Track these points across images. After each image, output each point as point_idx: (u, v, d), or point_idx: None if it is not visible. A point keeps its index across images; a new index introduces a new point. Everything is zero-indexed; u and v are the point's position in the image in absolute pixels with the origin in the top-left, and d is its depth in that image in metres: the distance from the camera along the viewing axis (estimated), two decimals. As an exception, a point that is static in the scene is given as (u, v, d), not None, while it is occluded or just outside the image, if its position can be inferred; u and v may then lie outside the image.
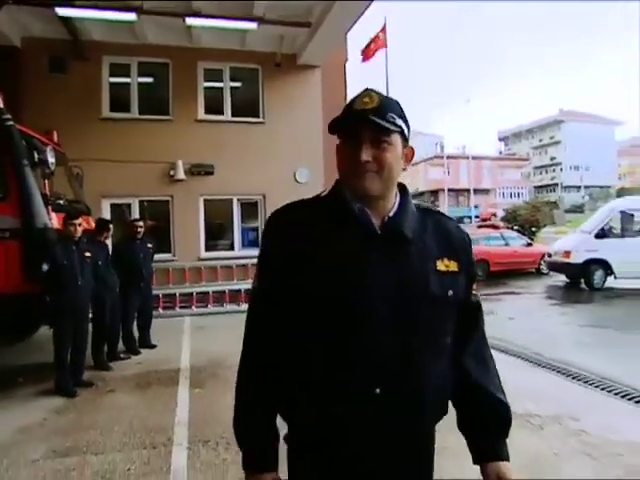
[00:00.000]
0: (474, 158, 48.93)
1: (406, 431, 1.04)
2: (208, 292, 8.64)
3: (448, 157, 42.57)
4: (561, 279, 11.73)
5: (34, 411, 3.93)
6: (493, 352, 1.23)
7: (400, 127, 1.05)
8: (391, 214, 1.09)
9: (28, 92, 7.90)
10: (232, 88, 9.35)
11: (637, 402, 3.99)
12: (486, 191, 50.06)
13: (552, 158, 57.36)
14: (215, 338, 6.43)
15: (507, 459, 1.11)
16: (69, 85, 8.22)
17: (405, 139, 1.09)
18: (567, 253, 10.85)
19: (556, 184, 55.78)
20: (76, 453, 3.21)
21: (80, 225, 4.34)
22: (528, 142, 61.51)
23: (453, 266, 1.11)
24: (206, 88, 9.16)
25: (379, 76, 16.86)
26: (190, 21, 7.70)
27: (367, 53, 15.05)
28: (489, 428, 1.14)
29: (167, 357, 5.57)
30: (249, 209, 9.50)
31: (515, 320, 7.84)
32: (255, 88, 9.43)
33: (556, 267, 11.53)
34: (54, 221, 4.61)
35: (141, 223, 6.00)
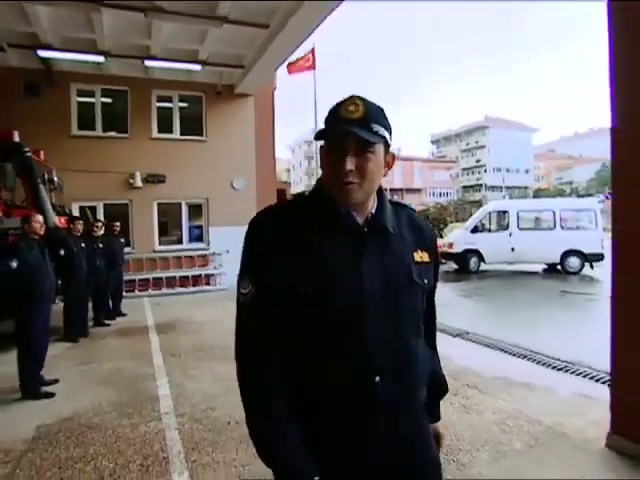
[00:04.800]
0: (407, 159, 52.79)
1: (401, 406, 1.12)
2: (162, 277, 10.69)
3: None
4: (453, 265, 14.71)
5: (56, 349, 5.96)
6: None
7: (383, 137, 1.09)
8: (373, 211, 1.16)
9: (6, 112, 9.56)
10: (180, 111, 11.39)
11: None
12: (417, 191, 54.12)
13: (478, 160, 62.62)
14: (169, 309, 8.63)
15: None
16: (43, 107, 9.86)
17: (387, 146, 1.13)
18: (451, 245, 13.82)
19: (481, 184, 61.00)
20: (93, 362, 5.36)
21: (81, 224, 6.42)
22: (457, 145, 66.50)
23: (425, 257, 1.21)
24: (159, 111, 11.12)
25: (309, 86, 18.80)
26: (148, 63, 9.72)
27: (292, 68, 16.76)
28: (435, 398, 1.35)
29: (137, 320, 7.70)
30: (195, 210, 11.58)
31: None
32: (199, 112, 11.51)
33: (445, 256, 14.49)
34: (58, 222, 6.64)
35: (99, 224, 7.77)
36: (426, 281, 1.20)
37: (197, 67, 10.02)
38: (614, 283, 3.04)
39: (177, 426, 3.56)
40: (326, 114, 1.12)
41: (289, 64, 16.34)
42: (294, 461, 1.04)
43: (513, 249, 12.88)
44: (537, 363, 4.89)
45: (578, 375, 4.46)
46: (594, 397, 3.82)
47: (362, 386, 1.06)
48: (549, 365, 4.79)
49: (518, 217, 13.14)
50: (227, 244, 11.09)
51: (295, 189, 58.91)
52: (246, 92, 11.61)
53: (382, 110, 1.12)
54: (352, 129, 1.04)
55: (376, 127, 1.07)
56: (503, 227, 13.46)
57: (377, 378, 1.07)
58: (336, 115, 1.09)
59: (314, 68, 17.17)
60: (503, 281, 12.21)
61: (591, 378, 4.34)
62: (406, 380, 1.13)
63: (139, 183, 10.64)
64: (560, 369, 4.67)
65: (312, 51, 17.04)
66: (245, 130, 11.67)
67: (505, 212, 13.58)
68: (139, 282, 10.49)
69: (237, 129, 11.61)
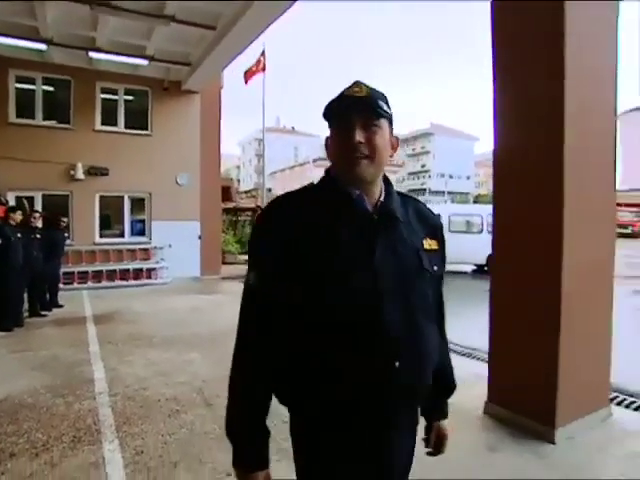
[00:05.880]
0: (355, 162, 53.43)
1: (418, 390, 1.16)
2: (102, 270, 10.65)
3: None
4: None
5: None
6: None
7: (388, 113, 1.13)
8: (382, 199, 1.16)
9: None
10: (126, 105, 11.35)
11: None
12: (365, 192, 55.17)
13: (423, 165, 64.94)
14: (109, 302, 8.69)
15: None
16: (-22, 93, 9.67)
17: (392, 127, 1.16)
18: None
19: (425, 189, 63.21)
20: (28, 350, 5.45)
21: (19, 214, 6.44)
22: (404, 150, 68.57)
23: (434, 245, 1.24)
24: (104, 103, 11.03)
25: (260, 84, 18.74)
26: (92, 54, 9.68)
27: (248, 77, 17.11)
28: (443, 395, 1.37)
29: (74, 311, 7.74)
30: (138, 204, 11.58)
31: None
32: (145, 106, 11.52)
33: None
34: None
35: (37, 214, 7.70)
36: (436, 268, 1.22)
37: (144, 62, 10.10)
38: (491, 284, 3.64)
39: (110, 404, 3.82)
40: (328, 105, 1.15)
41: (245, 73, 16.76)
42: (257, 446, 1.11)
43: (444, 250, 13.74)
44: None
45: (478, 359, 5.09)
46: (484, 376, 4.43)
47: (383, 371, 1.07)
48: (456, 352, 5.40)
49: (450, 221, 13.99)
50: (170, 238, 11.22)
51: (244, 186, 58.64)
52: (193, 89, 11.75)
53: (385, 95, 1.16)
54: (358, 100, 1.09)
55: (380, 103, 1.11)
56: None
57: (397, 363, 1.07)
58: (341, 97, 1.13)
59: (264, 70, 17.47)
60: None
61: (486, 361, 4.98)
62: (423, 364, 1.15)
63: (81, 175, 10.54)
64: (464, 354, 5.31)
65: (263, 53, 17.35)
66: (191, 126, 11.80)
67: (437, 216, 14.42)
68: (78, 274, 10.39)
69: (183, 125, 11.72)
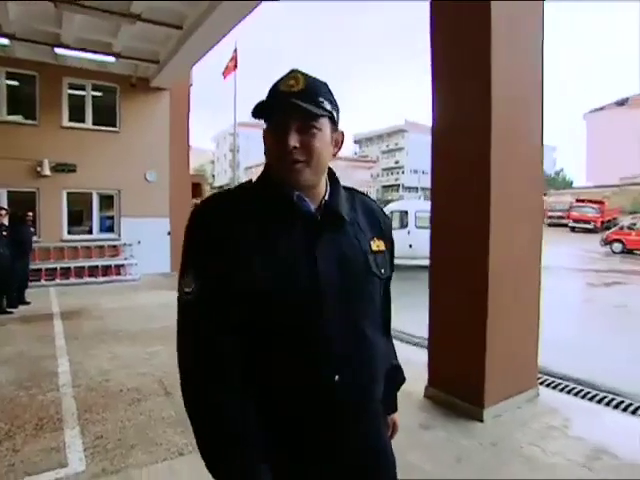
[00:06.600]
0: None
1: (361, 404, 1.07)
2: (70, 267, 10.64)
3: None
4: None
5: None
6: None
7: (328, 111, 1.01)
8: (327, 198, 1.08)
9: None
10: (94, 101, 11.32)
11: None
12: (340, 188, 55.54)
13: (396, 162, 65.72)
14: (77, 298, 8.74)
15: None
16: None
17: (334, 123, 1.05)
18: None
19: (399, 185, 64.07)
20: (-6, 346, 5.56)
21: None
22: (378, 146, 69.26)
23: (382, 245, 1.15)
24: (71, 99, 10.96)
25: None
26: (58, 50, 9.64)
27: (226, 73, 17.41)
28: (392, 389, 1.31)
29: (41, 308, 7.79)
30: (107, 201, 11.58)
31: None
32: (113, 103, 11.51)
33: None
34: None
35: (3, 211, 7.70)
36: (383, 271, 1.14)
37: (111, 59, 10.10)
38: (429, 278, 3.95)
39: (73, 394, 3.99)
40: (266, 93, 1.04)
41: (225, 70, 17.31)
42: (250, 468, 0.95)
43: (411, 245, 14.14)
44: (400, 341, 5.81)
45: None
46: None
47: (321, 386, 0.99)
48: (408, 341, 5.73)
49: (416, 217, 14.39)
50: (139, 235, 11.29)
51: (219, 181, 58.31)
52: (162, 86, 11.78)
53: (326, 85, 1.05)
54: (293, 101, 0.97)
55: (319, 100, 1.00)
56: (403, 225, 14.70)
57: (337, 377, 1.00)
58: (275, 90, 1.01)
59: (236, 67, 17.71)
60: (397, 274, 13.33)
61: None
62: (366, 377, 1.07)
63: (47, 172, 10.49)
64: (417, 344, 5.63)
65: (235, 51, 17.58)
66: (160, 123, 11.85)
67: (405, 212, 14.83)
68: (46, 271, 10.36)
69: (152, 122, 11.76)
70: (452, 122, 3.73)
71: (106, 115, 11.40)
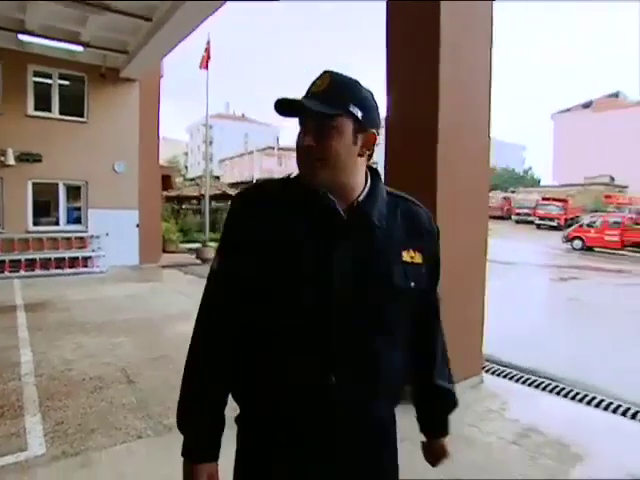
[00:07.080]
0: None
1: (358, 413, 1.04)
2: (35, 259, 10.50)
3: (280, 149, 46.76)
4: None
5: None
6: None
7: (348, 110, 0.99)
8: (360, 199, 1.06)
9: None
10: (61, 90, 11.13)
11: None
12: (315, 182, 55.57)
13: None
14: (42, 290, 8.67)
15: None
16: None
17: (359, 123, 1.01)
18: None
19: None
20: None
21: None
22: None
23: (418, 258, 1.09)
24: (36, 87, 10.74)
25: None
26: (22, 37, 9.46)
27: (203, 64, 17.29)
28: (439, 412, 1.31)
29: (4, 300, 7.71)
30: (74, 192, 11.43)
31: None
32: (81, 92, 11.33)
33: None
34: None
35: None
36: (413, 284, 1.08)
37: (79, 48, 9.97)
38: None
39: (35, 383, 4.06)
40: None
41: (201, 62, 16.96)
42: (209, 437, 1.07)
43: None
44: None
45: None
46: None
47: (319, 386, 1.00)
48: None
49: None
50: (107, 227, 11.20)
51: (192, 173, 57.56)
52: (131, 77, 11.66)
53: (353, 84, 1.04)
54: (304, 102, 0.99)
55: (338, 100, 0.99)
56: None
57: (333, 379, 1.00)
58: (307, 91, 1.04)
59: (209, 58, 17.58)
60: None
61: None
62: (368, 387, 1.05)
63: (11, 161, 10.29)
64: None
65: (208, 43, 17.45)
66: (129, 114, 11.72)
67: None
68: (10, 263, 10.20)
69: (121, 113, 11.64)
70: (403, 120, 3.92)
71: (74, 105, 11.23)
